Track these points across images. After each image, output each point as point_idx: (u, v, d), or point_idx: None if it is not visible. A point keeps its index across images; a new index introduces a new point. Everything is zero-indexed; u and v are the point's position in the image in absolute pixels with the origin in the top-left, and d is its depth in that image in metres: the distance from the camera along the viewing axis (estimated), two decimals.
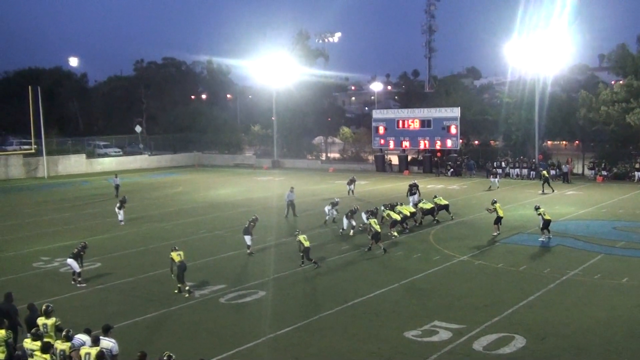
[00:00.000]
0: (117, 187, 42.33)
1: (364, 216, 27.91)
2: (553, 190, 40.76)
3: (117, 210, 31.60)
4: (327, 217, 30.84)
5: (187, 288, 19.17)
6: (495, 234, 27.04)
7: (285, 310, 17.75)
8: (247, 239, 24.55)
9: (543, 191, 40.77)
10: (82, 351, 11.67)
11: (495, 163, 50.85)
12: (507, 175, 50.86)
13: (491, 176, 45.53)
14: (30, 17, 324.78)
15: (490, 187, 43.43)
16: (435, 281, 20.64)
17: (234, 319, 17.12)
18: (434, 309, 17.58)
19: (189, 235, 28.05)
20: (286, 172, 58.77)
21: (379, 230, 24.76)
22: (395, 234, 27.31)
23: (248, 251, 24.54)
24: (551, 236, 25.98)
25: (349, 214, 28.03)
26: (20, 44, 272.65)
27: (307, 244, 22.28)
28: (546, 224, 25.90)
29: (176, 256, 19.89)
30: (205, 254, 24.70)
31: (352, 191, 39.78)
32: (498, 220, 27.26)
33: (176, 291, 19.29)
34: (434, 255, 23.80)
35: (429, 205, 30.25)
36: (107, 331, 12.46)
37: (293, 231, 28.58)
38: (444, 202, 31.00)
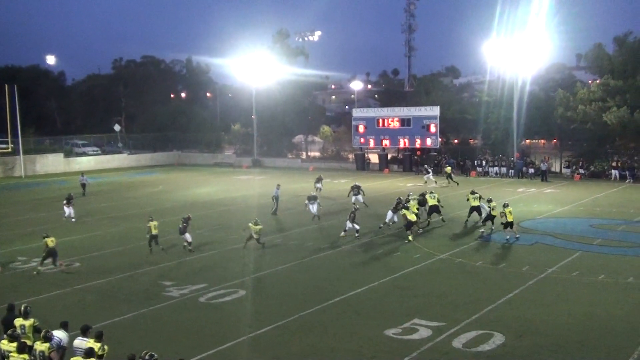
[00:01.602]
0: (83, 185, 42.27)
1: (389, 214, 28.33)
2: (457, 184, 43.80)
3: (64, 207, 31.90)
4: (313, 213, 31.32)
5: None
6: (508, 237, 25.77)
7: (266, 309, 17.71)
8: (187, 236, 25.06)
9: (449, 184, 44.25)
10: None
11: (425, 166, 51.31)
12: (487, 173, 51.26)
13: (424, 174, 47.29)
14: (6, 14, 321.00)
15: (425, 181, 45.52)
16: (415, 279, 20.72)
17: (214, 319, 17.06)
18: (414, 307, 17.64)
19: (169, 235, 27.87)
20: (266, 171, 58.68)
21: (414, 219, 26.12)
22: (410, 238, 25.99)
23: (189, 248, 24.95)
24: (518, 235, 26.22)
25: (352, 215, 27.26)
26: None
27: (256, 232, 24.56)
28: (509, 224, 25.90)
29: (153, 227, 20.83)
30: (185, 253, 24.59)
31: (320, 189, 39.53)
32: (508, 225, 25.66)
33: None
34: (414, 254, 23.90)
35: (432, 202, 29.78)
36: (64, 326, 12.84)
37: (276, 228, 28.61)
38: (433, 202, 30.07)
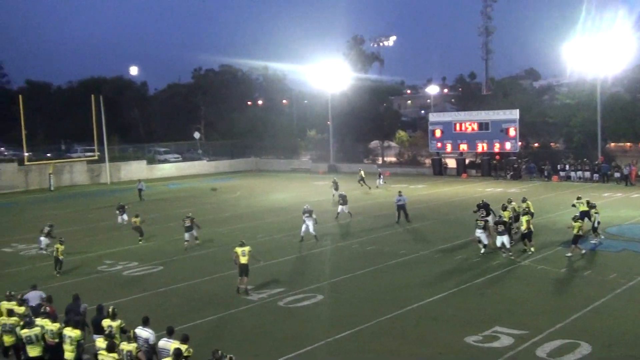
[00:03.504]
0: (140, 191, 43.76)
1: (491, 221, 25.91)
2: (369, 188, 45.58)
3: (118, 216, 33.50)
4: (311, 232, 28.09)
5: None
6: (569, 254, 23.63)
7: (344, 314, 17.70)
8: (188, 235, 27.01)
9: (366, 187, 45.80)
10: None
11: (379, 171, 52.44)
12: (569, 178, 49.64)
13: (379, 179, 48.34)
14: (92, 28, 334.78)
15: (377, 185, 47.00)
16: (495, 286, 20.26)
17: (292, 323, 17.18)
18: (495, 314, 17.24)
19: (247, 240, 28.20)
20: (342, 177, 58.73)
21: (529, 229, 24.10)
22: (532, 248, 24.29)
23: (197, 241, 27.37)
24: (601, 240, 25.15)
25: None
26: (84, 55, 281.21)
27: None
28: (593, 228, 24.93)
29: (240, 253, 19.92)
30: (263, 258, 24.87)
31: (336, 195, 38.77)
32: (575, 240, 23.55)
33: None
34: (494, 260, 23.36)
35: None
36: (145, 322, 13.32)
37: (353, 233, 28.56)
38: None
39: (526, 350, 14.55)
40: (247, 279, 19.95)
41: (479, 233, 24.50)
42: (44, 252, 26.36)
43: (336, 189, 40.43)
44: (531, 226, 24.48)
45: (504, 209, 25.96)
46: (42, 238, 26.73)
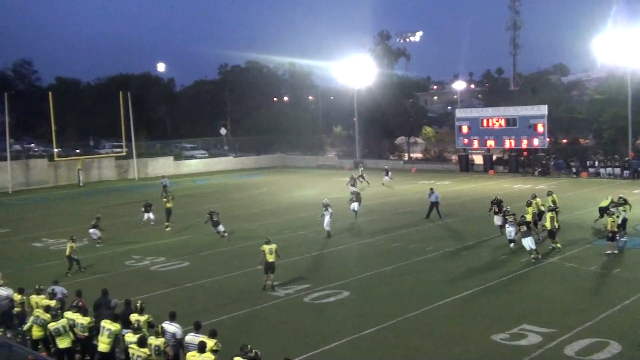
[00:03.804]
0: (164, 187, 43.68)
1: (497, 221, 26.20)
2: (368, 184, 45.76)
3: (143, 213, 33.23)
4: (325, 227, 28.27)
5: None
6: (608, 252, 23.18)
7: (370, 311, 17.67)
8: (220, 227, 28.16)
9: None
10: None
11: (385, 167, 50.54)
12: (598, 174, 48.97)
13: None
14: (121, 26, 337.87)
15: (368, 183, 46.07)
16: (523, 284, 20.07)
17: (318, 319, 17.20)
18: (523, 312, 17.07)
19: (273, 236, 28.31)
20: (368, 173, 58.62)
21: (552, 227, 23.78)
22: (559, 244, 24.05)
23: (226, 235, 28.15)
24: (625, 239, 24.69)
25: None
26: (112, 52, 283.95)
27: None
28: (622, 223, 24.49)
29: (267, 251, 19.93)
30: (289, 254, 24.92)
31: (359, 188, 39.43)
32: (612, 237, 23.31)
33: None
34: (522, 257, 23.12)
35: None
36: (172, 317, 13.44)
37: (379, 230, 28.51)
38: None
39: (554, 348, 14.40)
40: (273, 276, 20.05)
41: (509, 229, 24.36)
42: (97, 245, 27.90)
43: (353, 184, 40.12)
44: (556, 223, 24.21)
45: (529, 204, 25.72)
46: (91, 230, 28.11)
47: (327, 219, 27.96)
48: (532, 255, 22.63)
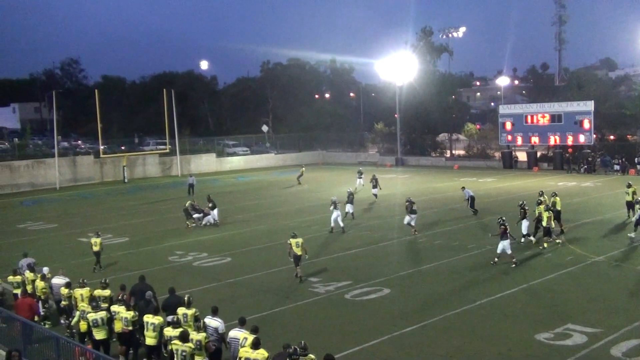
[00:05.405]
0: (191, 186, 43.71)
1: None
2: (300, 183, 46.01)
3: (210, 211, 31.94)
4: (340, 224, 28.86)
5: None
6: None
7: (411, 308, 17.59)
8: (348, 206, 30.48)
9: None
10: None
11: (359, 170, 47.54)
12: None
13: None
14: (165, 24, 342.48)
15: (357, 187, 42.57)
16: (567, 283, 19.71)
17: (360, 316, 17.19)
18: (567, 311, 16.79)
19: (314, 233, 28.44)
20: (410, 170, 58.36)
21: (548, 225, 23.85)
22: (547, 245, 24.05)
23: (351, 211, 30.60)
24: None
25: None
26: (157, 50, 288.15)
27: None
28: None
29: (294, 244, 20.77)
30: (330, 251, 24.99)
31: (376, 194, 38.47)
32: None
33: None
34: (567, 256, 22.74)
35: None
36: (215, 312, 13.64)
37: (420, 228, 28.30)
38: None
39: (600, 348, 14.13)
40: (299, 268, 20.80)
41: (526, 224, 24.84)
42: (208, 223, 31.34)
43: (375, 186, 38.41)
44: (552, 222, 24.15)
45: (539, 203, 25.39)
46: (196, 215, 31.43)
47: (334, 215, 28.45)
48: (496, 259, 21.99)
